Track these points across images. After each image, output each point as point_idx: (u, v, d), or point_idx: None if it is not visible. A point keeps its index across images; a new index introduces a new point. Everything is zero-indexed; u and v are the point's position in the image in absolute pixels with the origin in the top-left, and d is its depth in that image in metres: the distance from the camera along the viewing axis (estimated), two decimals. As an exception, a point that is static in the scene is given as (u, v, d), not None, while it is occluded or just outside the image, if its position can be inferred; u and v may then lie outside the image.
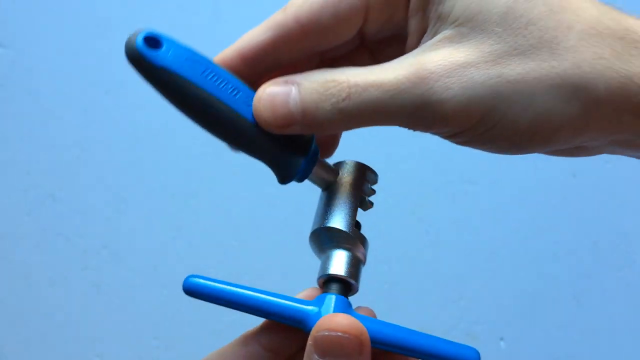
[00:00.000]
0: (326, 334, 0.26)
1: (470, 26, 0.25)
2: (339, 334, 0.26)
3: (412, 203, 0.82)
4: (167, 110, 0.89)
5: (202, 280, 0.30)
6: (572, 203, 0.85)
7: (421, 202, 0.82)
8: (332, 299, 0.30)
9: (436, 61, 0.25)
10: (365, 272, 0.33)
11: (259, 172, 0.84)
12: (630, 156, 0.29)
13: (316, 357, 0.27)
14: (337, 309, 0.29)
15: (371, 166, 0.34)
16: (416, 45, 0.28)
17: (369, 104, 0.26)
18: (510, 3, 0.25)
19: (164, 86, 0.28)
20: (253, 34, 0.33)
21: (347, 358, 0.26)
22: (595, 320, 0.83)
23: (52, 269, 0.85)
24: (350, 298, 0.31)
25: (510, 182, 0.85)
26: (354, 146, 0.86)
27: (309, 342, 0.27)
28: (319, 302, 0.30)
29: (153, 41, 0.28)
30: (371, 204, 0.33)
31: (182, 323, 0.85)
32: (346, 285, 0.31)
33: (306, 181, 0.32)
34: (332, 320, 0.27)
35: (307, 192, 0.37)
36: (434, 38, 0.26)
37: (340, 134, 0.35)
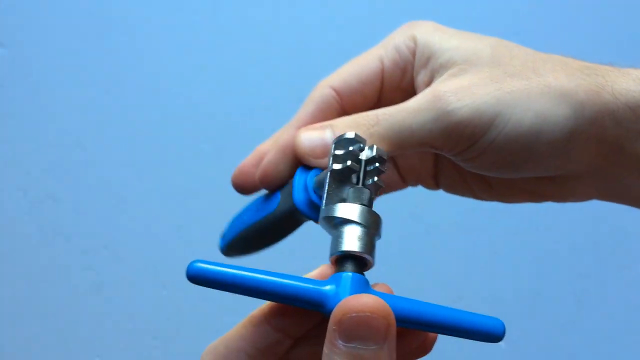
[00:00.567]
0: (354, 315, 0.25)
1: (467, 64, 0.31)
2: (368, 314, 0.25)
3: (412, 203, 0.82)
4: (167, 110, 0.89)
5: (208, 266, 0.28)
6: (572, 202, 0.85)
7: (421, 202, 0.82)
8: (349, 277, 0.28)
9: (447, 86, 0.31)
10: (365, 273, 0.33)
11: (259, 172, 0.84)
12: (621, 203, 0.35)
13: (341, 342, 0.26)
14: (355, 289, 0.28)
15: None
16: None
17: (396, 124, 0.30)
18: (494, 49, 0.32)
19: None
20: (302, 113, 0.38)
21: (375, 341, 0.25)
22: (595, 320, 0.83)
23: (52, 269, 0.85)
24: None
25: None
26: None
27: (332, 326, 0.26)
28: (334, 281, 0.28)
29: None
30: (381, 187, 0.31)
31: (182, 323, 0.85)
32: (361, 262, 0.29)
33: None
34: (358, 301, 0.25)
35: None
36: (440, 78, 0.32)
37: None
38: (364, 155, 0.30)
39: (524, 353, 0.82)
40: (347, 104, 0.35)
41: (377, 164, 0.29)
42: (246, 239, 0.35)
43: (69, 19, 0.85)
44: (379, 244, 0.30)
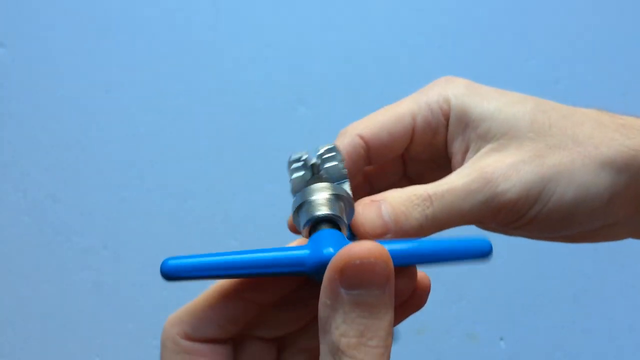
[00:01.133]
0: (358, 262, 0.25)
1: (507, 138, 0.32)
2: (372, 260, 0.25)
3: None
4: (167, 110, 0.89)
5: (182, 260, 0.28)
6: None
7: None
8: (325, 231, 0.28)
9: (492, 165, 0.32)
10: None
11: (259, 171, 0.84)
12: None
13: (344, 290, 0.25)
14: (336, 241, 0.27)
15: None
16: (461, 162, 0.34)
17: (448, 206, 0.31)
18: (532, 117, 0.33)
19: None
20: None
21: (378, 287, 0.26)
22: (595, 320, 0.83)
23: (52, 269, 0.85)
24: None
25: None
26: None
27: (333, 275, 0.25)
28: (310, 242, 0.28)
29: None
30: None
31: (182, 323, 0.85)
32: (335, 227, 0.29)
33: None
34: (361, 247, 0.25)
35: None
36: (479, 152, 0.33)
37: None
38: (312, 160, 0.32)
39: (524, 353, 0.82)
40: (374, 154, 0.36)
41: (325, 157, 0.31)
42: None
43: (69, 19, 0.85)
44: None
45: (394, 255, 0.27)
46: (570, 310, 0.83)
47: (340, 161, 0.32)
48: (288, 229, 0.35)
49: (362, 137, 0.36)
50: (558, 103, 0.35)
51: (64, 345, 0.86)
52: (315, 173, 0.32)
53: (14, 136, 0.85)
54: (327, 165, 0.32)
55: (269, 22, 0.84)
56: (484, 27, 0.83)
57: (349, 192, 0.31)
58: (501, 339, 0.81)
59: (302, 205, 0.30)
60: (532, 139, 0.32)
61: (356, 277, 0.25)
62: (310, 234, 0.29)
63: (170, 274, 0.29)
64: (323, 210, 0.29)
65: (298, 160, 0.31)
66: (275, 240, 0.83)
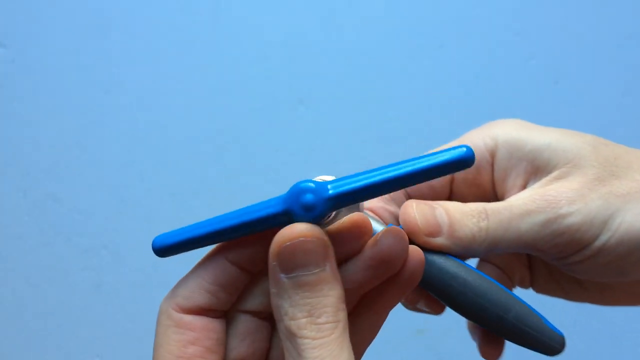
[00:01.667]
0: (288, 244, 0.26)
1: (569, 166, 0.31)
2: (301, 239, 0.26)
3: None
4: (167, 110, 0.89)
5: (169, 237, 0.30)
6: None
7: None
8: (303, 180, 0.28)
9: (555, 189, 0.30)
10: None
11: (259, 171, 0.84)
12: None
13: (283, 276, 0.26)
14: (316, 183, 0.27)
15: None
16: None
17: (504, 223, 0.30)
18: (594, 148, 0.32)
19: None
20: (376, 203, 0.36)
21: (315, 264, 0.26)
22: (594, 320, 0.83)
23: (52, 269, 0.85)
24: None
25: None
26: (356, 154, 0.86)
27: (272, 263, 0.26)
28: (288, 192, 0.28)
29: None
30: None
31: (182, 323, 0.85)
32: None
33: None
34: (289, 229, 0.26)
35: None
36: (540, 182, 0.32)
37: None
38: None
39: (524, 353, 0.82)
40: (414, 194, 0.35)
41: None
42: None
43: (69, 19, 0.85)
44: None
45: (363, 186, 0.26)
46: (569, 309, 0.83)
47: None
48: None
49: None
50: None
51: (64, 345, 0.86)
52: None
53: (14, 136, 0.85)
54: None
55: (269, 22, 0.84)
56: (484, 27, 0.83)
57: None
58: (501, 339, 0.81)
59: None
60: (597, 168, 0.31)
61: (291, 259, 0.26)
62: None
63: (161, 248, 0.30)
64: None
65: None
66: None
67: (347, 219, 0.29)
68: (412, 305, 0.34)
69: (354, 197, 0.27)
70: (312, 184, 0.27)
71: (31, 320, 0.85)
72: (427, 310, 0.34)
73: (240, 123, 0.84)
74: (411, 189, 0.35)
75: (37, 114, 0.85)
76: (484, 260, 0.36)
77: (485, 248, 0.31)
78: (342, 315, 0.26)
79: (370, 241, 0.29)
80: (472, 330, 0.34)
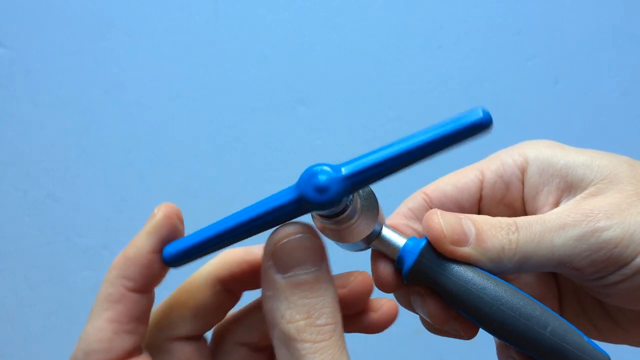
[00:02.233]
0: (285, 241, 0.25)
1: (606, 182, 0.29)
2: (299, 235, 0.25)
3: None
4: (167, 110, 0.89)
5: (179, 244, 0.28)
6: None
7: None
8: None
9: (592, 204, 0.29)
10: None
11: (259, 171, 0.84)
12: None
13: (280, 276, 0.25)
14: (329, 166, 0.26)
15: None
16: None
17: (536, 237, 0.28)
18: (630, 166, 0.30)
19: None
20: (394, 215, 0.35)
21: (313, 263, 0.25)
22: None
23: (52, 269, 0.85)
24: None
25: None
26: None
27: (267, 263, 0.25)
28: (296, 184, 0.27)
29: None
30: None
31: (182, 323, 0.85)
32: None
33: None
34: (284, 228, 0.25)
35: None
36: (575, 199, 0.30)
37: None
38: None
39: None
40: (439, 209, 0.33)
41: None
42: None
43: (69, 19, 0.85)
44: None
45: (382, 159, 0.25)
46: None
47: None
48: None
49: (425, 193, 0.33)
50: None
51: (64, 345, 0.85)
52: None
53: (14, 136, 0.85)
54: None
55: (269, 22, 0.84)
56: (484, 27, 0.83)
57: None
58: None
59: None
60: (635, 184, 0.29)
61: (288, 258, 0.25)
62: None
63: (171, 257, 0.29)
64: None
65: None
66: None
67: (354, 280, 0.28)
68: (441, 327, 0.31)
69: (370, 175, 0.26)
70: (324, 166, 0.26)
71: (31, 320, 0.85)
72: (458, 332, 0.32)
73: (240, 123, 0.84)
74: (436, 200, 0.33)
75: (37, 114, 0.85)
76: None
77: (516, 263, 0.29)
78: (340, 316, 0.25)
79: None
80: (504, 355, 0.32)
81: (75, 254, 0.85)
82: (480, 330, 0.30)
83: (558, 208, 0.30)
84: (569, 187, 0.31)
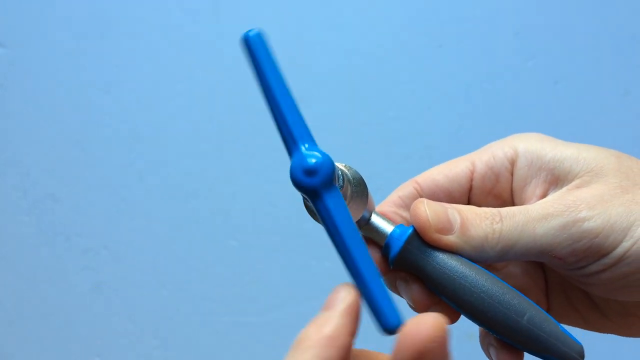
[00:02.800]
0: (434, 345, 0.23)
1: (591, 175, 0.30)
2: (444, 337, 0.23)
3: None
4: (167, 110, 0.89)
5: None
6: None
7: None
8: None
9: (575, 195, 0.30)
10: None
11: (259, 171, 0.84)
12: None
13: None
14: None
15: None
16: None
17: (519, 226, 0.29)
18: (617, 159, 0.31)
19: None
20: (384, 203, 0.36)
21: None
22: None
23: (52, 269, 0.85)
24: None
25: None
26: (357, 151, 0.86)
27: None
28: None
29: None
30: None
31: (182, 323, 0.85)
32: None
33: None
34: (432, 327, 0.23)
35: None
36: (560, 190, 0.31)
37: None
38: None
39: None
40: (430, 199, 0.34)
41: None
42: None
43: (69, 19, 0.85)
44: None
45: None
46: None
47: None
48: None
49: (417, 182, 0.34)
50: None
51: (64, 345, 0.86)
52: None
53: (14, 136, 0.85)
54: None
55: (269, 22, 0.84)
56: (484, 27, 0.83)
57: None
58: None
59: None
60: (620, 177, 0.30)
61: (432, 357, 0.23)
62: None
63: (253, 40, 0.30)
64: None
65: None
66: (275, 240, 0.83)
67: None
68: (424, 312, 0.32)
69: None
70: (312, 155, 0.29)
71: (31, 320, 0.85)
72: None
73: (240, 123, 0.84)
74: (427, 197, 0.34)
75: (37, 114, 0.85)
76: None
77: (499, 251, 0.30)
78: None
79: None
80: (485, 343, 0.33)
81: (75, 254, 0.85)
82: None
83: (543, 199, 0.31)
84: (556, 179, 0.31)
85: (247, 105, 0.84)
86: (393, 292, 0.34)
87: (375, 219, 0.32)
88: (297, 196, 0.32)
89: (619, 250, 0.29)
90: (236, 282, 0.84)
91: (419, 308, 0.32)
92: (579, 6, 0.83)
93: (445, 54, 0.83)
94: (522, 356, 0.31)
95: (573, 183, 0.31)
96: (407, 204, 0.34)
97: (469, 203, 0.35)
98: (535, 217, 0.29)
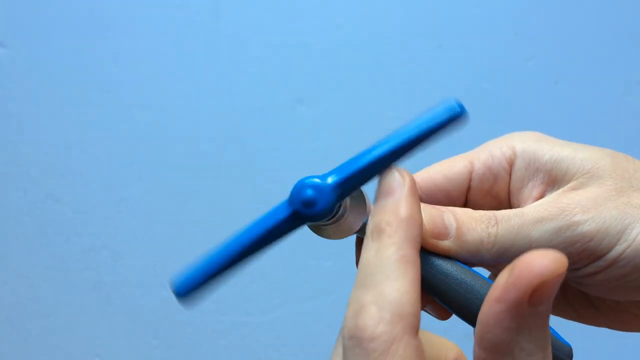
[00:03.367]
0: (550, 278, 0.22)
1: (588, 177, 0.30)
2: (562, 270, 0.22)
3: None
4: (167, 110, 0.89)
5: (189, 277, 0.29)
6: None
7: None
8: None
9: (570, 198, 0.30)
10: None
11: (259, 171, 0.84)
12: None
13: (529, 310, 0.22)
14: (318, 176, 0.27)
15: None
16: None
17: (514, 229, 0.30)
18: (613, 160, 0.31)
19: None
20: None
21: (554, 295, 0.23)
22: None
23: (52, 269, 0.85)
24: None
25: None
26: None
27: (521, 298, 0.22)
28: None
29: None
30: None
31: (182, 323, 0.85)
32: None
33: None
34: (552, 260, 0.22)
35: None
36: (556, 192, 0.31)
37: None
38: None
39: None
40: (428, 201, 0.34)
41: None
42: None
43: (69, 19, 0.85)
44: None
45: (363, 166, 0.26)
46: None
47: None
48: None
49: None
50: None
51: (64, 345, 0.86)
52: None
53: (14, 136, 0.85)
54: None
55: (269, 22, 0.84)
56: (484, 27, 0.83)
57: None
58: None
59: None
60: (615, 179, 0.30)
61: (545, 292, 0.23)
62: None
63: (183, 293, 0.29)
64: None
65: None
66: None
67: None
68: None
69: (356, 181, 0.27)
70: (313, 179, 0.27)
71: (31, 320, 0.85)
72: (432, 315, 0.34)
73: (240, 123, 0.84)
74: (425, 196, 0.34)
75: (37, 114, 0.85)
76: None
77: (494, 255, 0.30)
78: None
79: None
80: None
81: (75, 254, 0.85)
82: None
83: (538, 201, 0.31)
84: (553, 181, 0.31)
85: (247, 105, 0.84)
86: None
87: None
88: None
89: (613, 253, 0.29)
90: (236, 282, 0.84)
91: None
92: (578, 6, 0.83)
93: (445, 54, 0.83)
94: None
95: (569, 185, 0.31)
96: None
97: (466, 203, 0.35)
98: (530, 221, 0.30)
